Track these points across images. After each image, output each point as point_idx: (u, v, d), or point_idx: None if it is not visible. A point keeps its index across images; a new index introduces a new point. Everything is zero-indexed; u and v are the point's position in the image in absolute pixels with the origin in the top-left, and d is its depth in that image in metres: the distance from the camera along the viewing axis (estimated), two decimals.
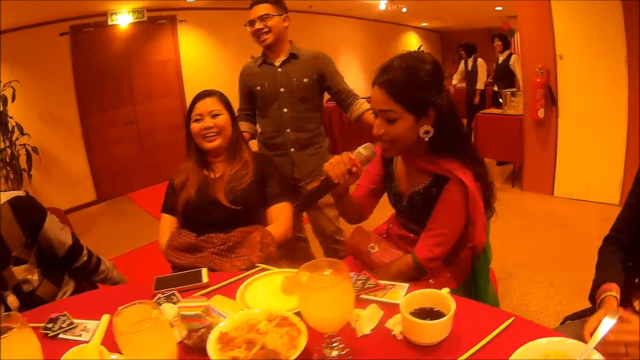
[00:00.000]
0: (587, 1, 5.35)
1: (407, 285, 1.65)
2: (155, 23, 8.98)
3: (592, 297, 1.66)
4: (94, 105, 8.38)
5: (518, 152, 6.34)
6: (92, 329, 1.63)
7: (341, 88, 3.43)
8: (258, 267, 1.96)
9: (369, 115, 3.32)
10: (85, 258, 2.44)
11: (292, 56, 3.33)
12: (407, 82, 1.80)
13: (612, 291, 1.55)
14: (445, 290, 1.42)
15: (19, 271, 2.18)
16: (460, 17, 14.07)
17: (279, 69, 3.30)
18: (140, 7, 8.49)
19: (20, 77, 7.12)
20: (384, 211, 2.40)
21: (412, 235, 2.13)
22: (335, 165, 1.87)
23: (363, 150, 1.91)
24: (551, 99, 5.79)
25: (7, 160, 6.74)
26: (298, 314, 1.35)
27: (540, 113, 5.83)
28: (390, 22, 14.14)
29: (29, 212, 2.25)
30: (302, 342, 1.27)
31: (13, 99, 6.79)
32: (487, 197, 1.97)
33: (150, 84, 9.13)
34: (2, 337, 1.22)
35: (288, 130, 3.32)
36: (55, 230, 2.33)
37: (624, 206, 1.78)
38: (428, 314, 1.35)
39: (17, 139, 6.92)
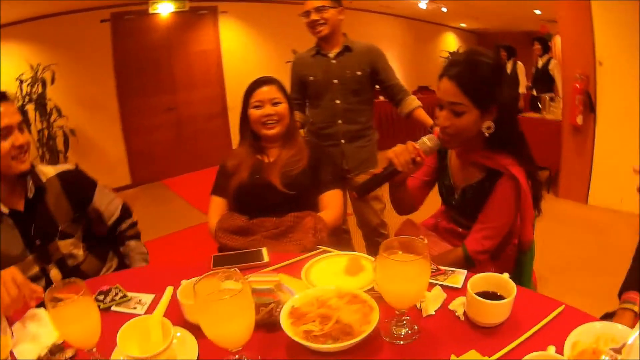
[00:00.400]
0: (629, 8, 5.29)
1: (465, 271, 1.70)
2: (197, 13, 9.07)
3: (620, 294, 1.69)
4: (133, 91, 8.54)
5: (555, 157, 6.29)
6: (148, 302, 1.68)
7: (393, 83, 3.47)
8: (319, 249, 2.01)
9: (419, 112, 3.41)
10: (134, 220, 2.52)
11: (346, 49, 3.37)
12: (475, 76, 1.82)
13: (635, 304, 1.58)
14: (506, 276, 1.48)
15: (64, 245, 2.21)
16: (498, 18, 13.97)
17: (333, 61, 3.35)
18: None
19: (60, 60, 7.31)
20: (430, 206, 2.44)
21: (460, 229, 2.18)
22: (400, 154, 1.93)
23: (427, 140, 1.96)
24: (590, 105, 5.75)
25: (44, 141, 6.94)
26: (367, 293, 1.42)
27: (579, 119, 5.79)
28: (429, 21, 14.06)
29: (78, 186, 2.31)
30: (375, 317, 1.32)
31: (52, 82, 6.99)
32: (536, 196, 1.98)
33: (190, 73, 9.23)
34: (64, 302, 1.26)
35: (340, 121, 3.38)
36: (105, 202, 2.40)
37: None
38: (491, 296, 1.42)
39: (54, 120, 7.10)
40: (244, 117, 2.64)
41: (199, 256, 2.10)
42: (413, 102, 3.46)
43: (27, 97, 6.89)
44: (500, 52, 9.45)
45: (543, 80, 8.07)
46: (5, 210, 2.06)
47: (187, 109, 9.26)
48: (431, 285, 1.56)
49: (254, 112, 2.56)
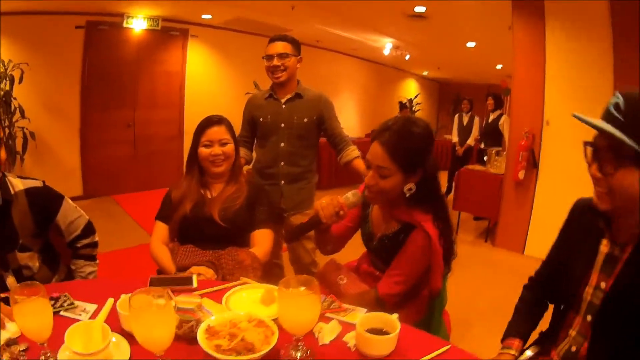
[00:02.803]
0: (580, 72, 5.68)
1: (364, 309, 1.86)
2: (168, 33, 9.23)
3: (502, 340, 1.94)
4: (96, 102, 8.56)
5: (495, 209, 6.57)
6: (91, 310, 1.82)
7: (336, 132, 3.62)
8: (241, 280, 2.15)
9: (357, 163, 3.55)
10: (94, 240, 2.59)
11: (297, 95, 3.53)
12: (404, 145, 2.02)
13: (512, 349, 1.86)
14: (395, 316, 1.66)
15: (22, 257, 2.28)
16: (461, 70, 14.41)
17: (284, 106, 3.49)
18: (156, 15, 8.73)
19: (31, 60, 7.28)
20: (357, 249, 2.61)
21: (377, 272, 2.34)
22: (325, 207, 2.11)
23: (351, 196, 2.14)
24: (533, 162, 6.06)
25: (3, 139, 6.87)
26: (273, 321, 1.61)
27: (521, 175, 6.10)
28: (392, 66, 14.46)
29: (44, 204, 2.36)
30: (274, 340, 1.52)
31: (20, 80, 6.99)
32: (447, 253, 2.16)
33: (153, 92, 9.34)
34: (25, 299, 1.43)
35: (282, 163, 3.51)
36: (68, 219, 2.46)
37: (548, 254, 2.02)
38: (378, 332, 1.60)
39: (17, 120, 7.08)
40: (193, 153, 2.77)
41: (139, 274, 2.24)
42: (352, 152, 3.60)
43: None
44: (464, 103, 9.77)
45: (492, 135, 8.30)
46: None
47: (145, 128, 9.33)
48: (329, 320, 1.77)
49: (203, 151, 2.71)
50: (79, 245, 2.52)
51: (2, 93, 6.89)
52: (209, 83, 10.09)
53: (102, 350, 1.48)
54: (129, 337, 1.55)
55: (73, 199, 2.49)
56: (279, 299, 1.53)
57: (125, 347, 1.57)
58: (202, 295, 1.92)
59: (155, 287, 1.85)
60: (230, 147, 2.72)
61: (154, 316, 1.38)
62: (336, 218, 2.14)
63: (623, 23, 5.27)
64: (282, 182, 3.54)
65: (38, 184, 2.36)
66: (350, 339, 1.66)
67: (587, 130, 1.55)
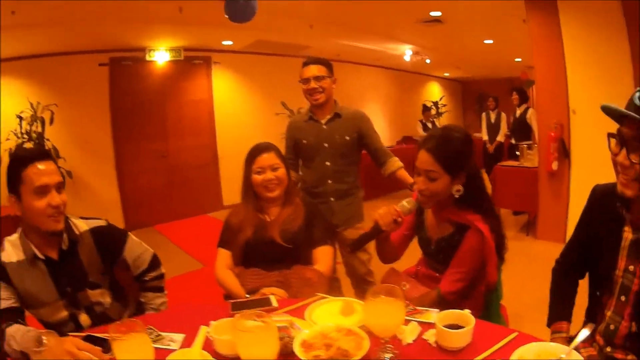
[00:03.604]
0: (599, 59, 5.75)
1: (437, 310, 1.99)
2: (191, 62, 9.41)
3: (549, 325, 2.06)
4: (128, 135, 8.79)
5: (533, 202, 6.60)
6: (179, 340, 1.90)
7: (377, 146, 3.74)
8: (317, 295, 2.26)
9: (401, 173, 3.67)
10: (160, 272, 2.63)
11: (337, 115, 3.65)
12: (447, 148, 2.23)
13: (562, 332, 1.99)
14: (467, 311, 1.80)
15: (93, 294, 2.33)
16: (481, 67, 14.39)
17: (325, 126, 3.61)
18: (177, 46, 8.91)
19: (59, 101, 7.50)
20: (412, 254, 2.74)
21: (437, 274, 2.48)
22: (384, 216, 2.29)
23: (406, 203, 2.32)
24: (564, 151, 6.11)
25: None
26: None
27: (554, 165, 6.15)
28: (414, 71, 14.52)
29: (109, 241, 2.43)
30: (366, 345, 1.66)
31: (51, 122, 7.18)
32: (499, 246, 2.31)
33: (182, 121, 9.54)
34: (125, 337, 1.52)
35: (329, 181, 3.62)
36: (134, 255, 2.52)
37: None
38: (455, 327, 1.74)
39: None
40: (247, 181, 2.86)
41: (198, 300, 2.35)
42: (395, 163, 3.70)
43: (26, 135, 7.05)
44: (489, 101, 9.81)
45: (521, 129, 8.30)
46: (41, 256, 2.18)
47: (178, 157, 9.52)
48: (409, 321, 1.89)
49: (256, 178, 2.79)
50: (146, 278, 2.58)
51: (35, 136, 7.05)
52: (237, 107, 10.24)
53: None
54: None
55: None
56: (368, 308, 1.66)
57: None
58: (283, 314, 2.04)
59: (239, 310, 2.01)
60: (282, 172, 2.81)
61: (260, 336, 1.51)
62: (394, 225, 2.32)
63: (634, 8, 5.34)
64: (332, 199, 3.64)
65: (102, 223, 2.45)
66: (430, 336, 1.80)
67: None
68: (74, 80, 8.05)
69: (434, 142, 2.24)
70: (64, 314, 2.26)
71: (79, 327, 2.25)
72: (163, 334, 1.95)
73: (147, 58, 8.81)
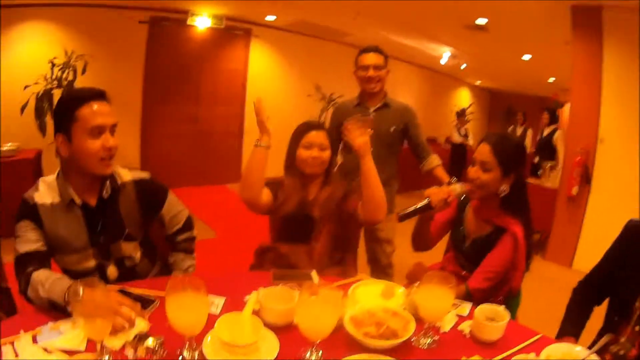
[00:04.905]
0: (635, 93, 5.75)
1: (470, 304, 2.12)
2: (231, 32, 9.45)
3: (558, 338, 2.14)
4: (158, 97, 8.80)
5: (547, 223, 6.63)
6: (220, 304, 1.98)
7: (420, 141, 3.84)
8: (359, 276, 2.40)
9: (438, 170, 3.78)
10: (193, 234, 2.64)
11: (385, 105, 3.75)
12: (506, 144, 2.40)
13: None
14: (502, 307, 1.93)
15: (127, 247, 2.32)
16: (514, 81, 14.37)
17: (372, 114, 3.69)
18: (220, 13, 8.93)
19: (94, 53, 7.44)
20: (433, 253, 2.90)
21: (464, 272, 2.61)
22: (436, 193, 2.42)
23: (458, 187, 2.46)
24: (586, 178, 6.15)
25: None
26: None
27: (574, 190, 6.18)
28: (447, 74, 14.50)
29: (151, 195, 2.43)
30: (412, 326, 1.81)
31: (83, 72, 7.10)
32: (529, 253, 2.44)
33: (215, 89, 9.58)
34: (187, 294, 1.58)
35: None
36: (171, 213, 2.53)
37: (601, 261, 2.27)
38: (491, 320, 1.87)
39: None
40: (291, 155, 2.87)
41: (215, 269, 2.44)
42: (434, 161, 3.79)
43: (55, 82, 6.99)
44: (519, 115, 9.86)
45: (546, 149, 8.31)
46: (78, 201, 2.16)
47: (206, 124, 9.63)
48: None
49: (302, 152, 2.80)
50: (179, 239, 2.58)
51: (65, 83, 7.02)
52: (271, 83, 10.23)
53: (255, 342, 1.64)
54: (273, 328, 1.78)
55: None
56: (423, 292, 1.82)
57: (273, 338, 1.72)
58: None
59: (281, 280, 2.09)
60: (328, 154, 2.84)
61: (321, 306, 1.59)
62: (444, 205, 2.44)
63: None
64: None
65: (146, 175, 2.46)
66: (465, 327, 1.94)
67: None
68: (113, 33, 8.07)
69: (496, 138, 2.41)
70: (92, 263, 2.24)
71: (104, 279, 2.23)
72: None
73: (188, 22, 8.79)
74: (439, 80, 14.51)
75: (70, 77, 7.04)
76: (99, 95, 2.13)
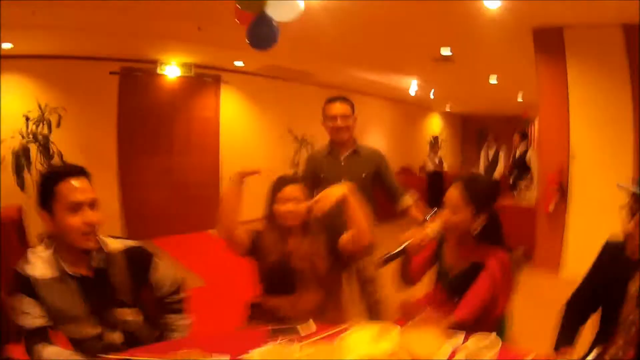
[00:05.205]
0: (602, 107, 6.00)
1: (462, 333, 2.15)
2: (201, 79, 9.52)
3: (557, 349, 2.22)
4: (133, 147, 8.81)
5: (529, 240, 6.65)
6: None
7: (392, 184, 3.88)
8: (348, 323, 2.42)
9: (412, 211, 3.80)
10: (181, 296, 2.64)
11: (355, 152, 3.80)
12: (477, 188, 2.53)
13: (567, 354, 2.14)
14: (493, 334, 2.04)
15: (122, 313, 2.31)
16: (483, 103, 14.56)
17: (343, 163, 3.75)
18: (189, 62, 9.04)
19: (67, 105, 7.54)
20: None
21: (451, 303, 2.62)
22: (412, 238, 2.57)
23: (432, 230, 2.57)
24: (562, 194, 6.28)
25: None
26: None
27: (551, 207, 6.31)
28: (416, 103, 14.62)
29: (140, 263, 2.46)
30: None
31: (58, 125, 7.19)
32: (513, 277, 2.57)
33: (188, 137, 9.64)
34: None
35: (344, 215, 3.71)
36: (161, 276, 2.54)
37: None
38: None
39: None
40: (269, 208, 2.91)
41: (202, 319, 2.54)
42: (407, 201, 3.83)
43: (31, 136, 7.08)
44: (489, 137, 10.03)
45: (520, 168, 8.47)
46: (71, 273, 2.18)
47: (181, 173, 9.66)
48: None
49: (279, 207, 2.83)
50: (170, 300, 2.59)
51: (40, 137, 7.10)
52: (243, 128, 10.34)
53: None
54: None
55: None
56: (414, 337, 1.96)
57: None
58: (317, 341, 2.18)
59: (279, 335, 2.18)
60: (303, 206, 2.85)
61: None
62: (420, 248, 2.59)
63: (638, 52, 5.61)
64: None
65: (133, 243, 2.48)
66: (461, 356, 1.97)
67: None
68: (85, 85, 8.09)
69: (465, 181, 2.53)
70: (95, 331, 2.24)
71: (109, 345, 2.24)
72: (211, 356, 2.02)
73: (158, 71, 8.89)
74: (410, 110, 14.73)
75: (45, 131, 7.11)
76: (77, 171, 2.17)
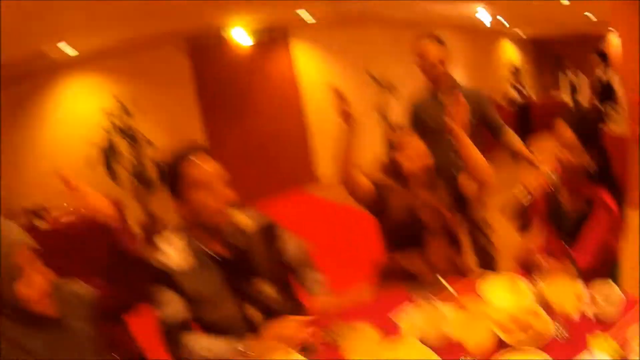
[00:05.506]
0: None
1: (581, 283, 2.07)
2: (270, 39, 9.55)
3: None
4: (217, 118, 9.07)
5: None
6: None
7: (497, 122, 3.78)
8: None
9: (522, 150, 3.69)
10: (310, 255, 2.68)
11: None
12: (587, 124, 2.46)
13: None
14: (614, 286, 1.96)
15: (262, 288, 2.33)
16: (555, 24, 13.96)
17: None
18: (254, 23, 9.04)
19: (144, 91, 7.86)
20: None
21: (567, 247, 2.59)
22: (532, 183, 2.57)
23: (549, 172, 2.56)
24: None
25: (135, 171, 7.29)
26: None
27: None
28: (485, 30, 13.95)
29: (272, 236, 2.48)
30: (552, 324, 1.84)
31: (138, 114, 7.43)
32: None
33: (270, 99, 9.78)
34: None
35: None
36: (290, 240, 2.57)
37: None
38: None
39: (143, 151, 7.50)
40: (391, 160, 2.95)
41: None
42: (514, 139, 3.75)
43: (114, 129, 7.28)
44: (566, 62, 9.58)
45: (604, 92, 8.11)
46: (211, 254, 2.22)
47: (270, 134, 9.74)
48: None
49: (405, 161, 2.86)
50: (301, 263, 2.62)
51: (124, 128, 7.29)
52: (322, 80, 10.04)
53: None
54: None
55: None
56: (552, 288, 1.97)
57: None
58: None
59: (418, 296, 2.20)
60: (429, 159, 2.91)
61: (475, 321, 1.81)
62: (541, 192, 2.57)
63: None
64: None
65: (263, 218, 2.49)
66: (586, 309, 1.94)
67: None
68: (156, 68, 8.31)
69: (571, 116, 2.47)
70: (235, 311, 2.26)
71: (249, 322, 2.26)
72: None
73: (226, 38, 8.95)
74: (479, 38, 14.15)
75: (128, 122, 7.30)
76: (197, 150, 2.21)
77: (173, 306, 2.10)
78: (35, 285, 1.70)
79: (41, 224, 5.82)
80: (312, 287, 2.56)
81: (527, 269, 2.60)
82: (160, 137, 7.76)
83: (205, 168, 2.15)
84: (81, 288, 2.00)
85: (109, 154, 7.07)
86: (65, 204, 5.89)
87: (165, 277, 2.13)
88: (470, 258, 3.73)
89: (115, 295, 2.00)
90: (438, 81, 3.66)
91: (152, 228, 7.21)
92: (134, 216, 7.19)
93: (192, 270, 2.16)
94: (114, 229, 1.91)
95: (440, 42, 3.63)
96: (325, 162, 9.91)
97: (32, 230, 5.34)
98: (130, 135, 7.35)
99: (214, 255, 2.22)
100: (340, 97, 2.54)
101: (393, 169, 2.93)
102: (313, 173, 10.22)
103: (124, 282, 1.98)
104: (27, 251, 1.72)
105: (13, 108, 7.32)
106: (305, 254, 2.62)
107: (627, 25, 6.08)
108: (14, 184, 7.18)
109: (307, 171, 10.08)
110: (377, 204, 2.86)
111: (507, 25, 13.45)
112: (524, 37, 16.77)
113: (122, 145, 7.36)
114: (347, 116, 2.56)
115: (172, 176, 2.15)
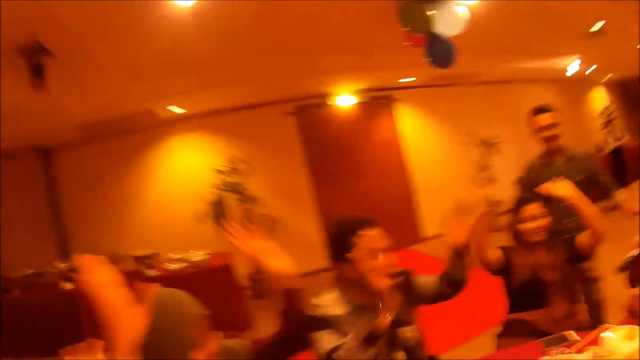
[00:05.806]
0: None
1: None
2: (374, 102, 10.18)
3: None
4: (324, 179, 9.64)
5: None
6: None
7: (607, 182, 3.93)
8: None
9: (629, 204, 3.75)
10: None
11: (570, 159, 3.94)
12: None
13: None
14: None
15: (406, 331, 2.45)
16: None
17: (560, 169, 3.84)
18: (359, 88, 9.69)
19: (252, 152, 8.49)
20: None
21: None
22: None
23: None
24: None
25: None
26: None
27: None
28: (575, 81, 13.62)
29: (409, 286, 2.63)
30: None
31: (248, 174, 8.03)
32: None
33: (374, 160, 10.26)
34: None
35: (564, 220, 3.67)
36: (424, 281, 2.70)
37: None
38: None
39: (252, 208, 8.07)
40: (515, 229, 3.20)
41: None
42: (622, 194, 3.83)
43: (225, 186, 7.82)
44: None
45: None
46: (366, 304, 2.40)
47: (374, 195, 10.05)
48: None
49: (525, 226, 3.12)
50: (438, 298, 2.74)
51: (234, 186, 7.85)
52: (424, 141, 10.70)
53: None
54: None
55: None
56: None
57: None
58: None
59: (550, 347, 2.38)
60: (547, 220, 3.19)
61: None
62: None
63: None
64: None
65: (398, 272, 2.61)
66: None
67: None
68: (265, 130, 9.00)
69: None
70: (383, 354, 2.36)
71: None
72: None
73: (331, 103, 9.69)
74: (570, 88, 14.16)
75: (238, 180, 7.84)
76: (368, 223, 2.46)
77: (327, 338, 2.27)
78: (206, 350, 1.81)
79: (150, 272, 6.29)
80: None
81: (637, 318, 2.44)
82: (269, 196, 8.33)
83: (377, 240, 2.41)
84: (237, 344, 2.17)
85: (218, 209, 7.58)
86: (171, 254, 6.38)
87: (326, 324, 2.31)
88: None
89: (269, 348, 2.16)
90: (551, 148, 3.91)
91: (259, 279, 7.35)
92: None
93: (346, 317, 2.35)
94: (293, 291, 2.13)
95: (550, 111, 3.92)
96: (430, 221, 10.17)
97: (139, 276, 6.04)
98: (240, 192, 7.89)
99: (366, 305, 2.40)
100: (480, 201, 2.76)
101: (513, 232, 3.18)
102: (418, 234, 10.33)
103: (289, 336, 2.15)
104: (202, 321, 1.84)
105: (121, 160, 8.06)
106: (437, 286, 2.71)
107: None
108: (119, 233, 7.81)
109: (412, 232, 10.24)
110: (503, 270, 3.12)
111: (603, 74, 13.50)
112: (610, 81, 16.75)
113: (232, 201, 7.84)
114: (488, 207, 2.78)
115: (344, 242, 2.37)
